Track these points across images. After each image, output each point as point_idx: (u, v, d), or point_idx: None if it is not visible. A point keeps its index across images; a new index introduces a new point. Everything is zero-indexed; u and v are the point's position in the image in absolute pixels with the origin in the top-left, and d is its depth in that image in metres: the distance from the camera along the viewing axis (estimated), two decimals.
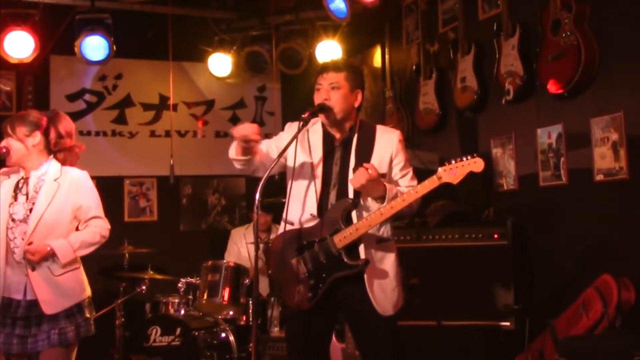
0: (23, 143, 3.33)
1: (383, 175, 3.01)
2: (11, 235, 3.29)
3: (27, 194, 3.33)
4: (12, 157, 3.35)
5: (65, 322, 3.24)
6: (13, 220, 3.30)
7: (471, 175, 2.84)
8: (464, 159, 2.82)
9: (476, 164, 2.81)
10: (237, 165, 3.10)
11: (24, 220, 3.29)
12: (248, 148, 3.00)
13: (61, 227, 3.34)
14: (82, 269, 3.43)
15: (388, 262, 3.03)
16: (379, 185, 2.91)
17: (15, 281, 3.27)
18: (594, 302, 3.69)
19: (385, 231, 3.05)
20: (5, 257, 3.27)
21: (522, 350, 3.96)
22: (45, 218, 3.28)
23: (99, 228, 3.42)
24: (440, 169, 2.84)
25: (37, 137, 3.35)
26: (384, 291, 3.00)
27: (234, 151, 3.06)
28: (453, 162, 2.83)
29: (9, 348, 3.22)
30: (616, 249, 3.88)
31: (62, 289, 3.28)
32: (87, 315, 3.35)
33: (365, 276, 2.96)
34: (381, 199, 2.92)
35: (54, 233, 3.31)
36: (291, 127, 3.16)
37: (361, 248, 2.96)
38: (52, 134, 3.38)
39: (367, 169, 2.87)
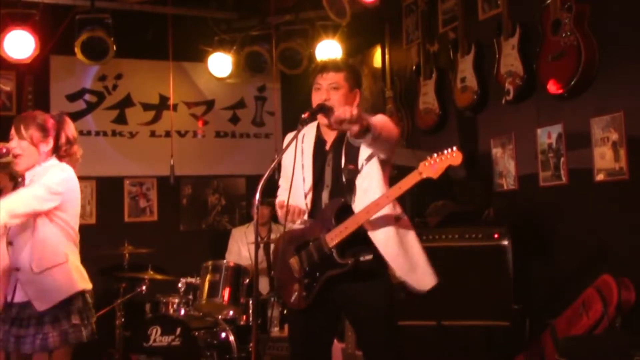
0: (37, 148, 3.32)
1: (370, 157, 3.00)
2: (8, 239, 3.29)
3: None
4: (22, 162, 3.30)
5: (49, 328, 3.21)
6: None
7: (451, 167, 2.84)
8: (444, 152, 2.84)
9: (454, 157, 2.84)
10: None
11: None
12: None
13: (29, 225, 3.25)
14: (68, 264, 3.30)
15: (411, 237, 3.04)
16: (360, 119, 2.74)
17: (10, 284, 3.28)
18: (594, 302, 3.69)
19: (397, 209, 3.04)
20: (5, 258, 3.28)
21: (522, 350, 3.96)
22: None
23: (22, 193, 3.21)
24: (421, 164, 2.87)
25: (50, 143, 3.34)
26: (416, 266, 3.00)
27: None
28: (435, 155, 2.85)
29: (7, 346, 3.24)
30: (616, 249, 3.88)
31: (46, 286, 3.23)
32: (76, 321, 3.26)
33: (394, 260, 2.96)
34: (366, 131, 2.77)
35: (21, 231, 3.26)
36: (289, 137, 3.17)
37: (381, 231, 2.95)
38: (62, 140, 3.39)
39: (349, 110, 2.71)
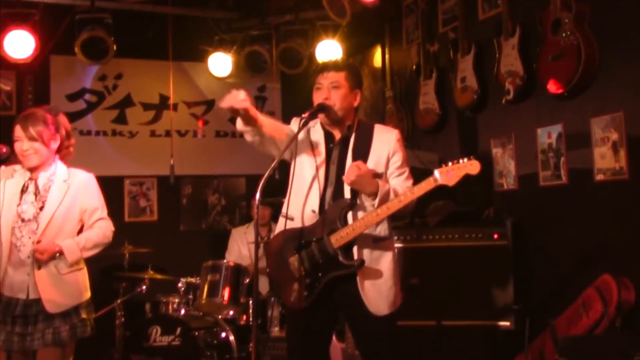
0: (48, 147, 3.35)
1: (380, 175, 3.02)
2: (18, 234, 3.30)
3: (36, 194, 3.34)
4: (33, 159, 3.32)
5: (59, 322, 3.26)
6: (22, 220, 3.30)
7: (468, 176, 2.85)
8: (461, 161, 2.84)
9: (472, 167, 2.84)
10: (248, 138, 3.06)
11: (34, 219, 3.30)
12: (247, 117, 2.96)
13: (68, 228, 3.37)
14: (85, 270, 3.46)
15: (385, 261, 3.04)
16: (371, 182, 2.93)
17: (19, 280, 3.28)
18: (594, 302, 3.69)
19: (382, 230, 3.06)
20: (8, 256, 3.28)
21: (522, 350, 3.96)
22: (56, 218, 3.31)
23: (104, 229, 3.47)
24: (436, 171, 2.87)
25: (58, 140, 3.40)
26: (379, 291, 3.00)
27: (239, 123, 3.03)
28: (450, 163, 2.86)
29: (10, 346, 3.24)
30: (616, 249, 3.88)
31: (67, 288, 3.32)
32: (83, 316, 3.35)
33: (358, 276, 2.97)
34: (373, 195, 2.93)
35: (62, 233, 3.34)
36: (296, 122, 3.16)
37: (355, 248, 2.98)
38: (63, 134, 3.43)
39: (358, 166, 2.89)
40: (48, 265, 3.28)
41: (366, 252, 2.99)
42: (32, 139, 3.30)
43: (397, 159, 3.09)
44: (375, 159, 3.04)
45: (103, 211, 3.50)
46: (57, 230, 3.32)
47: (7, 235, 3.30)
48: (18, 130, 3.32)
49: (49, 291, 3.25)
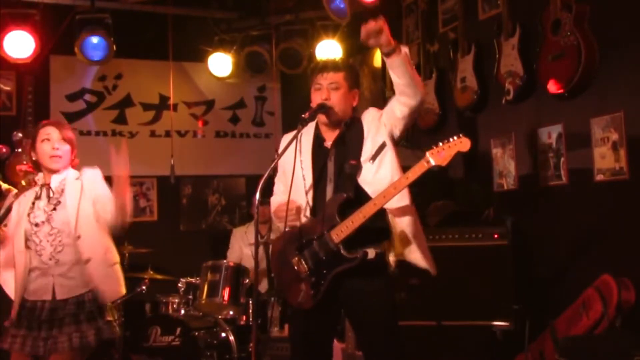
0: (72, 154, 3.48)
1: (381, 148, 3.02)
2: (36, 240, 3.33)
3: (49, 197, 3.37)
4: (60, 162, 3.41)
5: (87, 326, 3.28)
6: (36, 225, 3.33)
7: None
8: (451, 139, 2.85)
9: (462, 144, 2.85)
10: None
11: (47, 222, 3.32)
12: None
13: (87, 222, 3.38)
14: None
15: (420, 223, 3.11)
16: (385, 37, 2.96)
17: (43, 283, 3.31)
18: (594, 302, 3.69)
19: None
20: (24, 264, 3.32)
21: (522, 350, 3.96)
22: (81, 211, 3.36)
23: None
24: (427, 153, 2.87)
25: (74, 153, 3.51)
26: (427, 250, 3.11)
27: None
28: (440, 144, 2.85)
29: (36, 351, 3.26)
30: (616, 249, 3.88)
31: (115, 279, 3.42)
32: (109, 318, 3.38)
33: (414, 241, 3.02)
34: (392, 51, 2.94)
35: (84, 226, 3.36)
36: (285, 138, 3.21)
37: (402, 212, 2.99)
38: (76, 160, 3.55)
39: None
40: (97, 260, 3.33)
41: (412, 215, 3.03)
42: (65, 139, 3.42)
43: (384, 111, 3.11)
44: (371, 141, 3.05)
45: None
46: (86, 221, 3.36)
47: (20, 247, 3.33)
48: (52, 131, 3.40)
49: (101, 282, 3.33)
